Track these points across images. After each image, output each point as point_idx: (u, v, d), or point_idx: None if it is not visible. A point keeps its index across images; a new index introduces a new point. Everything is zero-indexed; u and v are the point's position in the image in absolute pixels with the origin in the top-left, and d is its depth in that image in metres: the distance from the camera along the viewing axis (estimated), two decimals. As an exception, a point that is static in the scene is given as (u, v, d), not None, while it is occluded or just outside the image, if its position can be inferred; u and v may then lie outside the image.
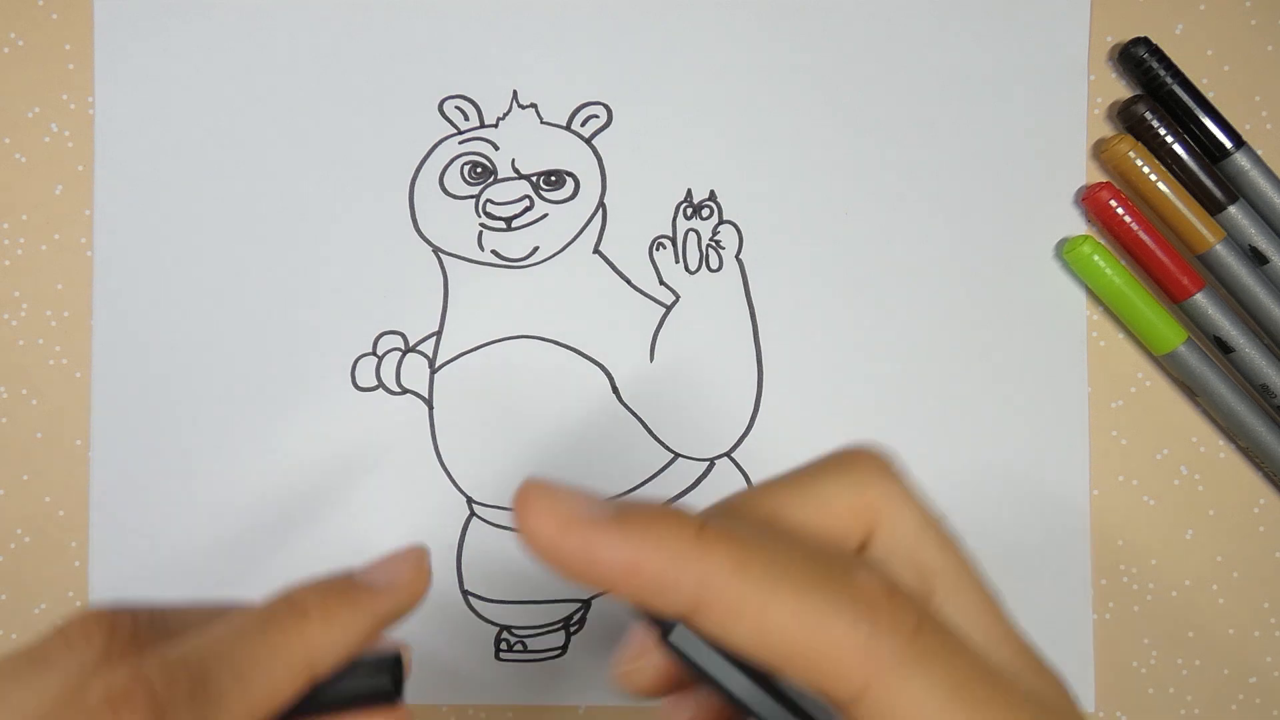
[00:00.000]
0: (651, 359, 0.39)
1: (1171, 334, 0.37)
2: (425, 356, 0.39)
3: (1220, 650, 0.39)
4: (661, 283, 0.39)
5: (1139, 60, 0.37)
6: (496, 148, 0.39)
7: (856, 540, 0.20)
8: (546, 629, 0.39)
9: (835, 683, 0.17)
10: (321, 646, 0.19)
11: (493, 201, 0.38)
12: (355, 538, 0.39)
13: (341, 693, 0.20)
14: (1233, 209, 0.37)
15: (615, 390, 0.39)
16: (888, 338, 0.39)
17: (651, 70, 0.39)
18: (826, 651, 0.17)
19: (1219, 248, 0.37)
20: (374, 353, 0.39)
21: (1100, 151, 0.38)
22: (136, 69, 0.39)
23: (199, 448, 0.39)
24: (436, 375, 0.39)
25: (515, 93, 0.39)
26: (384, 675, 0.20)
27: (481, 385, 0.39)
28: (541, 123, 0.39)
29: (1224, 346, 0.38)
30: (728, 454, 0.39)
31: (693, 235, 0.39)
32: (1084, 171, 0.39)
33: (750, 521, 0.19)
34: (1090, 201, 0.38)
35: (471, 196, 0.39)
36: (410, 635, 0.39)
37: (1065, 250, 0.38)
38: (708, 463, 0.39)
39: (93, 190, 0.39)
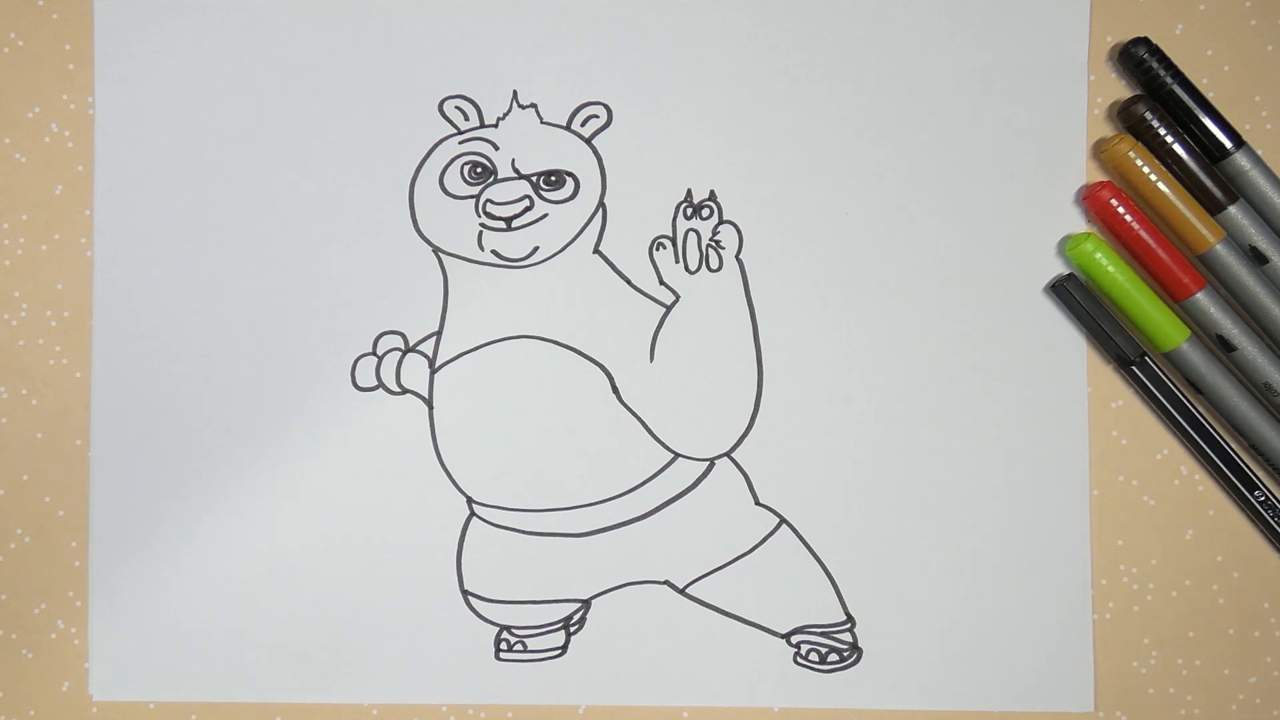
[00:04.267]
0: (651, 359, 0.39)
1: (1174, 331, 0.38)
2: (425, 356, 0.39)
3: (1220, 650, 0.39)
4: (661, 283, 0.39)
5: (1139, 60, 0.37)
6: (496, 148, 0.39)
7: None
8: (546, 629, 0.39)
9: None
10: None
11: (493, 201, 0.38)
12: (355, 538, 0.39)
13: None
14: (1233, 209, 0.37)
15: (615, 390, 0.39)
16: (888, 337, 0.39)
17: (651, 70, 0.39)
18: None
19: (1219, 248, 0.37)
20: (374, 353, 0.39)
21: (1100, 151, 0.38)
22: (136, 69, 0.39)
23: (199, 447, 0.39)
24: (436, 375, 0.39)
25: (515, 93, 0.39)
26: None
27: (481, 385, 0.39)
28: (541, 123, 0.39)
29: (1226, 345, 0.38)
30: (728, 454, 0.39)
31: (693, 235, 0.39)
32: (1084, 171, 0.39)
33: None
34: (1091, 200, 0.38)
35: (471, 196, 0.39)
36: (411, 635, 0.39)
37: (1068, 248, 0.38)
38: (708, 463, 0.39)
39: (93, 190, 0.39)
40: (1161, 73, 0.37)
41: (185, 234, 0.39)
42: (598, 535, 0.39)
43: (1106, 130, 0.39)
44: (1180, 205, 0.37)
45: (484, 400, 0.39)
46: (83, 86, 0.39)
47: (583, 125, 0.39)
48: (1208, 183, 0.37)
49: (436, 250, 0.39)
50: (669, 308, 0.39)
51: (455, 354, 0.39)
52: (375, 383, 0.39)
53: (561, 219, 0.39)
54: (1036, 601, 0.38)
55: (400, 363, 0.39)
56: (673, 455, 0.39)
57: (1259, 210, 0.38)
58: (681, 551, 0.39)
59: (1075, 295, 0.38)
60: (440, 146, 0.39)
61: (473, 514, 0.39)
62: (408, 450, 0.39)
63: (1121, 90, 0.39)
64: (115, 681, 0.39)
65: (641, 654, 0.39)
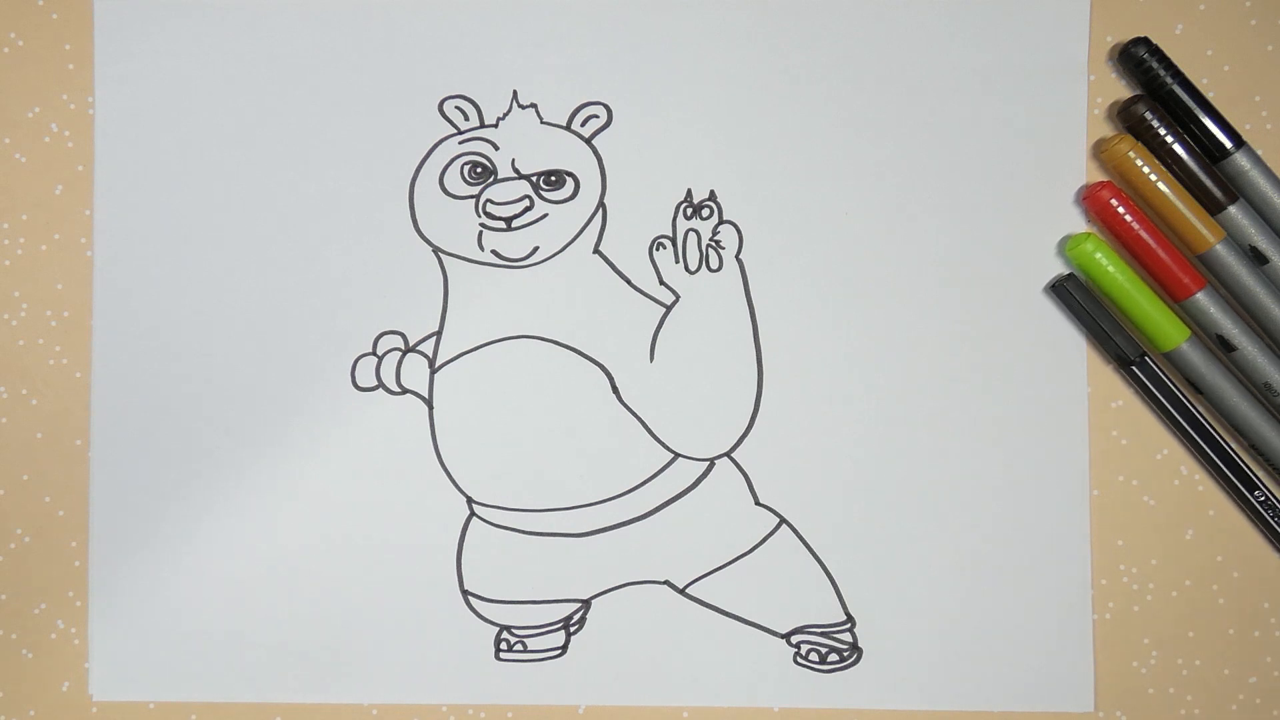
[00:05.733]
0: (651, 359, 0.39)
1: (1174, 331, 0.38)
2: (425, 356, 0.39)
3: (1220, 650, 0.39)
4: (661, 283, 0.39)
5: (1139, 60, 0.37)
6: (496, 148, 0.39)
7: None
8: (546, 629, 0.39)
9: None
10: None
11: (493, 201, 0.38)
12: (355, 538, 0.39)
13: None
14: (1233, 209, 0.37)
15: (615, 390, 0.39)
16: (888, 337, 0.39)
17: (651, 70, 0.39)
18: None
19: (1219, 248, 0.37)
20: (374, 353, 0.39)
21: (1100, 151, 0.38)
22: (136, 69, 0.39)
23: (199, 447, 0.39)
24: (436, 375, 0.39)
25: (515, 93, 0.39)
26: None
27: (481, 385, 0.39)
28: (541, 123, 0.39)
29: (1226, 345, 0.38)
30: (728, 454, 0.39)
31: (693, 235, 0.39)
32: (1084, 171, 0.39)
33: None
34: (1091, 200, 0.38)
35: (471, 196, 0.39)
36: (411, 635, 0.39)
37: (1068, 247, 0.38)
38: (708, 463, 0.39)
39: (93, 190, 0.39)
40: (1161, 73, 0.37)
41: (185, 234, 0.39)
42: (598, 535, 0.39)
43: (1106, 130, 0.39)
44: (1180, 205, 0.37)
45: (484, 400, 0.39)
46: (83, 86, 0.39)
47: (583, 125, 0.39)
48: (1208, 183, 0.37)
49: (436, 250, 0.39)
50: (669, 308, 0.39)
51: (455, 354, 0.39)
52: (375, 383, 0.39)
53: (561, 219, 0.39)
54: (1036, 601, 0.38)
55: (400, 363, 0.39)
56: (673, 455, 0.39)
57: (1259, 210, 0.38)
58: (681, 551, 0.39)
59: (1075, 295, 0.38)
60: (440, 146, 0.39)
61: (473, 514, 0.39)
62: (408, 450, 0.39)
63: (1121, 90, 0.39)
64: (115, 681, 0.39)
65: (641, 654, 0.39)
